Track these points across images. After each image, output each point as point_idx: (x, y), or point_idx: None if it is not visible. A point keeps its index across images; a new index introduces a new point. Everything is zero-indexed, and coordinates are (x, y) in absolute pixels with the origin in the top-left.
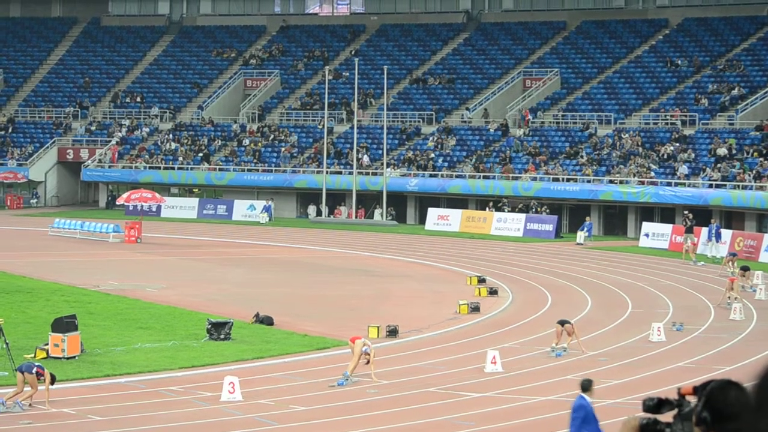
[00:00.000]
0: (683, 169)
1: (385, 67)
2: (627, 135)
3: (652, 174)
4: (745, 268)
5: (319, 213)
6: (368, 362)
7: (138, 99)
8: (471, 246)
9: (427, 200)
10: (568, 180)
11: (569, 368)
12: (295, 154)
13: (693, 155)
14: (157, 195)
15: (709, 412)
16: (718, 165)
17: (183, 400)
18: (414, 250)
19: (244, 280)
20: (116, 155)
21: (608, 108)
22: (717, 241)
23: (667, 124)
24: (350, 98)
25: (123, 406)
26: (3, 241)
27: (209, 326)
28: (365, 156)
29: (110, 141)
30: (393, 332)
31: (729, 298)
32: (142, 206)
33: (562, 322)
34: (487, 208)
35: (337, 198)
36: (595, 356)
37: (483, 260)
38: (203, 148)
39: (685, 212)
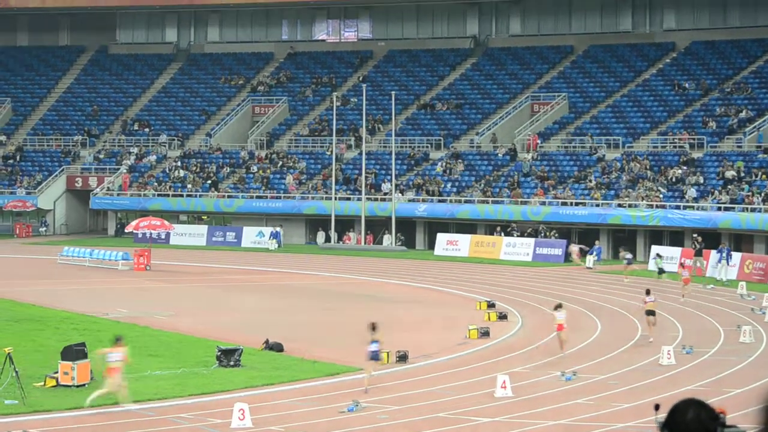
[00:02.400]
0: (692, 192)
1: (393, 92)
2: (636, 159)
3: (661, 197)
4: (660, 271)
5: (328, 239)
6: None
7: (146, 127)
8: (480, 271)
9: (436, 225)
10: (576, 204)
11: (580, 392)
12: (303, 181)
13: (701, 178)
14: (165, 222)
15: (669, 429)
16: (727, 187)
17: (193, 427)
18: (423, 276)
19: (254, 306)
20: (128, 183)
21: (616, 132)
22: (728, 264)
23: (675, 147)
24: (358, 124)
25: None
26: (12, 270)
27: (219, 353)
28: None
29: (119, 169)
30: (403, 358)
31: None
32: (151, 234)
33: (650, 312)
34: (495, 233)
35: (345, 224)
36: (605, 380)
37: (492, 285)
38: (212, 175)
39: (695, 235)
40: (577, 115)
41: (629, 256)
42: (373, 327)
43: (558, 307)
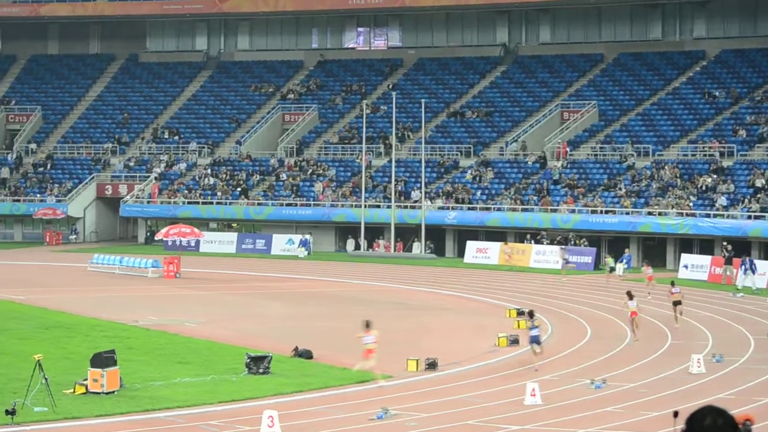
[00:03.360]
0: (722, 201)
1: (423, 100)
2: (665, 167)
3: (691, 205)
4: (611, 269)
5: (357, 247)
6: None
7: (176, 134)
8: (510, 279)
9: (465, 233)
10: (606, 212)
11: (609, 400)
12: (333, 188)
13: (732, 186)
14: (195, 230)
15: None
16: (757, 196)
17: None
18: (453, 283)
19: (283, 314)
20: (156, 193)
21: (646, 140)
22: (753, 273)
23: (705, 155)
24: (388, 132)
25: None
26: (42, 277)
27: (248, 360)
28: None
29: (149, 176)
30: (432, 365)
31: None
32: (180, 241)
33: (677, 302)
34: (525, 241)
35: (375, 232)
36: (634, 388)
37: (522, 293)
38: (241, 182)
39: (724, 243)
40: (607, 123)
41: (567, 256)
42: (531, 314)
43: (629, 295)
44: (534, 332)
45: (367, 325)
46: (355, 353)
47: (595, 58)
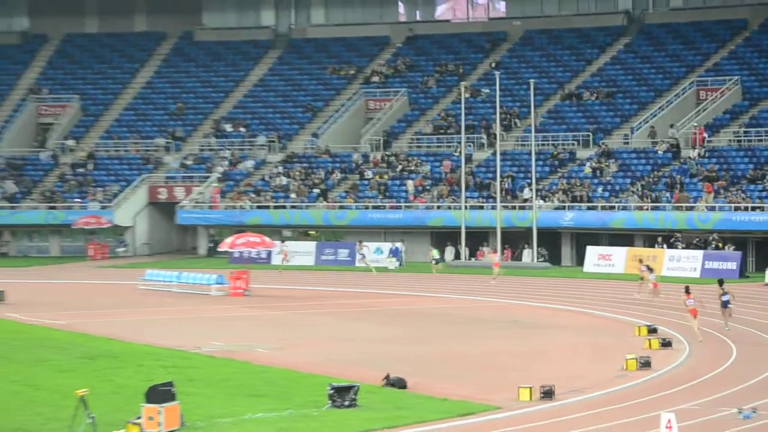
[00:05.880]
0: None
1: (532, 81)
2: None
3: None
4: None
5: (458, 255)
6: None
7: (241, 126)
8: (638, 290)
9: (585, 237)
10: (753, 209)
11: None
12: (427, 187)
13: None
14: (266, 239)
15: None
16: None
17: None
18: (571, 297)
19: (371, 336)
20: (218, 197)
21: None
22: None
23: None
24: (491, 119)
25: None
26: (85, 298)
27: (331, 391)
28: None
29: (209, 177)
30: (548, 394)
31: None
32: (249, 253)
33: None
34: (656, 245)
35: (478, 237)
36: None
37: (653, 306)
38: (319, 182)
39: None
40: (753, 103)
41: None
42: (721, 282)
43: (649, 269)
44: (725, 297)
45: (687, 289)
46: (459, 380)
47: (736, 24)
